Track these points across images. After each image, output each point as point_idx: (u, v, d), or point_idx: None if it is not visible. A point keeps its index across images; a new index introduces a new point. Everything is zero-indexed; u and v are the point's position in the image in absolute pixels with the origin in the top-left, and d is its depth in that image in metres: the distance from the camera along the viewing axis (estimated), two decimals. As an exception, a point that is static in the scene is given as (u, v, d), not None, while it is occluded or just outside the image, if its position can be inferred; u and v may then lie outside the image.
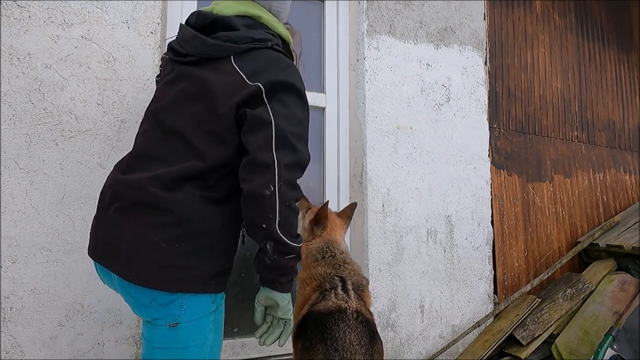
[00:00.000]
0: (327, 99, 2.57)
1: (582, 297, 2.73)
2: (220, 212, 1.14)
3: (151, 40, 2.00)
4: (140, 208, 1.09)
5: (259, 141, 1.10)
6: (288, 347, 2.25)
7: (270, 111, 1.12)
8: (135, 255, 1.06)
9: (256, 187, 1.08)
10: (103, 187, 1.24)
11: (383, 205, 2.45)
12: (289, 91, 1.18)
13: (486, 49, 2.95)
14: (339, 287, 1.45)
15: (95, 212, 1.25)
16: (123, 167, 1.21)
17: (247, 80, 1.15)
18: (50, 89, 1.80)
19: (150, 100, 1.35)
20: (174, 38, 1.31)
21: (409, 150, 2.57)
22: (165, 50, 1.37)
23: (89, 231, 1.24)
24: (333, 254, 1.59)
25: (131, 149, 1.30)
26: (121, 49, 1.94)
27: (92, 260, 1.21)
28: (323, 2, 2.63)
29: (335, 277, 1.49)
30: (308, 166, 1.19)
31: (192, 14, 1.31)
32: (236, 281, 2.20)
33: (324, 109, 2.56)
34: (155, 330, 1.10)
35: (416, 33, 2.68)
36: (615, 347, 2.32)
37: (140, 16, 1.99)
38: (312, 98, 2.53)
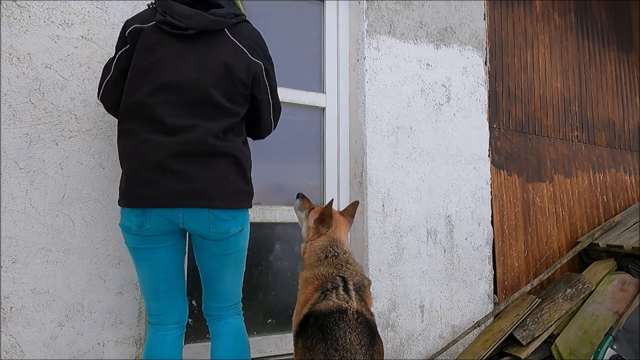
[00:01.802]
0: (327, 99, 2.57)
1: (582, 297, 2.73)
2: (248, 150, 1.60)
3: (151, 40, 2.00)
4: (207, 156, 1.45)
5: (265, 116, 1.68)
6: (288, 347, 2.26)
7: (269, 91, 1.64)
8: (216, 189, 1.46)
9: (265, 135, 1.80)
10: (139, 150, 1.44)
11: (383, 205, 2.45)
12: (272, 64, 1.66)
13: (486, 49, 2.95)
14: (341, 288, 1.45)
15: (139, 172, 1.43)
16: (162, 131, 1.44)
17: (249, 56, 1.54)
18: (50, 89, 1.80)
19: (142, 65, 1.47)
20: (159, 14, 1.48)
21: (409, 150, 2.57)
22: (134, 26, 1.50)
23: (129, 188, 1.45)
24: (336, 253, 1.60)
25: (140, 115, 1.46)
26: (121, 49, 1.94)
27: (137, 210, 1.43)
28: (323, 2, 2.63)
29: (337, 277, 1.49)
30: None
31: None
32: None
33: (324, 109, 2.56)
34: (223, 243, 1.53)
35: (416, 33, 2.68)
36: (615, 347, 2.32)
37: (140, 16, 1.99)
38: (312, 98, 2.53)
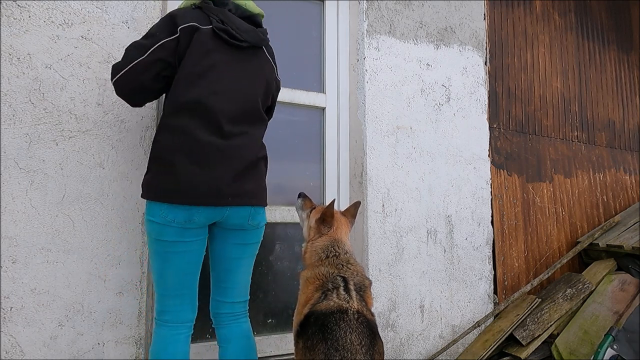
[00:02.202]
0: (327, 99, 2.57)
1: (582, 297, 2.73)
2: None
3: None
4: (254, 160, 1.63)
5: (271, 115, 1.89)
6: (288, 347, 2.26)
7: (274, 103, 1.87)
8: (259, 189, 1.66)
9: None
10: (192, 149, 1.50)
11: (383, 205, 2.46)
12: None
13: (486, 49, 2.95)
14: (341, 288, 1.45)
15: (191, 169, 1.48)
16: (218, 133, 1.54)
17: (276, 74, 1.79)
18: (50, 89, 1.80)
19: (198, 65, 1.54)
20: (215, 21, 1.57)
21: (409, 150, 2.57)
22: (191, 23, 1.54)
23: (177, 184, 1.48)
24: (337, 253, 1.60)
25: (193, 103, 1.52)
26: (121, 49, 1.93)
27: (189, 205, 1.49)
28: (323, 2, 2.63)
29: (338, 277, 1.49)
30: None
31: (229, 3, 1.65)
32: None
33: (324, 109, 2.56)
34: (252, 233, 1.67)
35: (416, 33, 2.68)
36: (615, 347, 2.32)
37: (140, 16, 1.99)
38: (312, 98, 2.53)
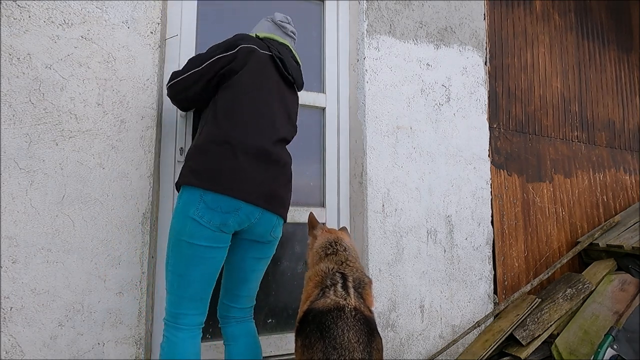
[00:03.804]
0: (327, 99, 2.57)
1: (582, 297, 2.73)
2: None
3: (151, 40, 2.01)
4: (289, 176, 1.72)
5: None
6: (288, 347, 2.26)
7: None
8: (287, 202, 1.72)
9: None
10: (253, 143, 1.58)
11: (383, 205, 2.46)
12: None
13: (486, 49, 2.95)
14: (339, 285, 1.46)
15: (249, 162, 1.54)
16: (268, 136, 1.63)
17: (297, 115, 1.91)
18: (50, 89, 1.80)
19: (253, 80, 1.67)
20: (275, 50, 1.76)
21: (409, 150, 2.57)
22: (252, 45, 1.71)
23: (225, 169, 1.52)
24: (335, 250, 1.63)
25: (233, 114, 1.62)
26: (121, 49, 1.94)
27: (231, 203, 1.50)
28: (323, 2, 2.63)
29: (337, 274, 1.50)
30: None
31: (285, 46, 1.87)
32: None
33: (324, 109, 2.56)
34: (269, 246, 1.72)
35: (416, 33, 2.68)
36: (615, 347, 2.32)
37: (140, 16, 1.99)
38: (312, 98, 2.53)
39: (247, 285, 1.72)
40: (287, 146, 1.78)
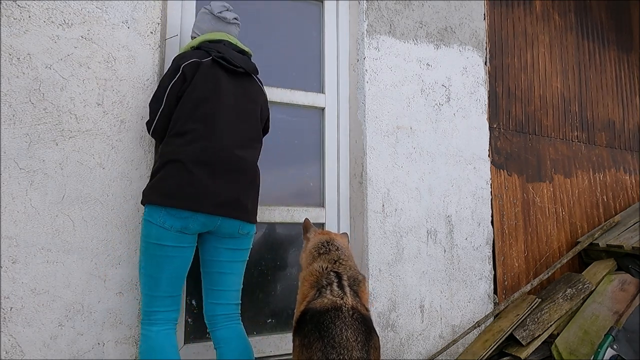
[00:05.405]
0: (327, 99, 2.57)
1: (582, 297, 2.73)
2: None
3: (151, 40, 2.01)
4: (250, 177, 1.77)
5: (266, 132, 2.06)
6: (288, 347, 2.26)
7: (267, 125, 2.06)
8: (251, 205, 1.78)
9: None
10: (204, 154, 1.66)
11: (383, 205, 2.46)
12: None
13: (486, 49, 2.95)
14: (335, 284, 1.48)
15: (194, 177, 1.61)
16: (224, 143, 1.70)
17: (266, 98, 1.99)
18: (50, 89, 1.80)
19: (205, 87, 1.74)
20: (214, 52, 1.80)
21: (409, 150, 2.57)
22: (192, 59, 1.77)
23: (180, 190, 1.61)
24: (328, 249, 1.67)
25: (190, 128, 1.69)
26: (121, 49, 1.94)
27: (185, 212, 1.60)
28: (323, 2, 2.63)
29: (332, 273, 1.53)
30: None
31: (222, 40, 1.88)
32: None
33: (324, 109, 2.56)
34: (241, 239, 1.78)
35: (416, 33, 2.68)
36: (615, 347, 2.32)
37: (140, 16, 1.99)
38: (312, 98, 2.53)
39: (227, 279, 1.77)
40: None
